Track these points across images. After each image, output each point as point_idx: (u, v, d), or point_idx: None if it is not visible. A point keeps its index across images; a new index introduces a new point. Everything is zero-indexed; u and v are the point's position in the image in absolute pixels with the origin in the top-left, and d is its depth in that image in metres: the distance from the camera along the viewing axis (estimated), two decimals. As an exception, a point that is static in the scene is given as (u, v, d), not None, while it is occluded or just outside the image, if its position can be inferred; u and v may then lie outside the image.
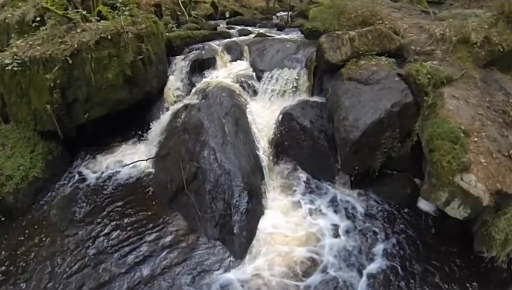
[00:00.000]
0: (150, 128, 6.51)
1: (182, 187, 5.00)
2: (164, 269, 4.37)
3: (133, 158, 6.24)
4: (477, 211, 4.21)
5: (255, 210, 4.78)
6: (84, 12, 6.26)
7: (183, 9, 10.09)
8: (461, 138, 4.28)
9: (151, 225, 4.98)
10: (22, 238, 5.05)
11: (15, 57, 5.74)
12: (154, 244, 4.70)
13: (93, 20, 6.20)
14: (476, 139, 4.52)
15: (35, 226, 5.22)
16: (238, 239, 4.46)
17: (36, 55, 5.73)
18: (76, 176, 6.11)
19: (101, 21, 6.26)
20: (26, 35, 6.38)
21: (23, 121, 6.11)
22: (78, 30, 6.08)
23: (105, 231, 4.98)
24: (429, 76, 5.19)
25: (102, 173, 6.12)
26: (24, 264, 4.61)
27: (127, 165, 6.04)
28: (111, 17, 6.36)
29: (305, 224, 4.87)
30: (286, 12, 11.93)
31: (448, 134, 4.24)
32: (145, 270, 4.37)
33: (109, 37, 5.79)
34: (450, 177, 4.11)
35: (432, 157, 4.28)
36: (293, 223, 4.87)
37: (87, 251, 4.71)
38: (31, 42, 6.15)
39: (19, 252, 4.80)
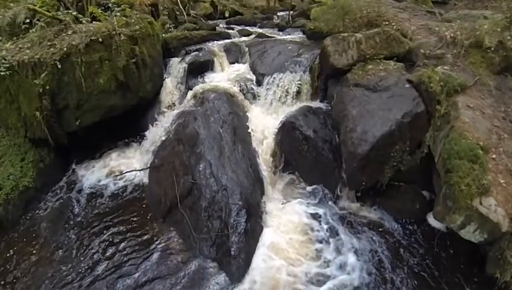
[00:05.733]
0: (145, 135, 5.93)
1: (177, 203, 4.47)
2: (156, 292, 3.88)
3: (127, 167, 5.68)
4: (494, 236, 3.69)
5: (254, 229, 4.25)
6: (75, 13, 5.64)
7: (182, 8, 9.40)
8: (480, 156, 3.70)
9: (144, 242, 4.47)
10: (12, 252, 4.59)
11: (3, 61, 5.18)
12: (147, 264, 4.18)
13: (84, 21, 5.58)
14: (494, 156, 3.95)
15: (25, 239, 4.74)
16: (236, 261, 3.94)
17: (25, 59, 5.17)
18: (68, 186, 5.57)
19: (93, 22, 5.66)
20: (15, 38, 5.81)
21: (14, 127, 5.57)
22: (69, 32, 5.48)
23: (96, 247, 4.48)
24: (442, 83, 4.60)
25: (95, 182, 5.57)
26: (13, 279, 4.19)
27: (120, 174, 5.49)
28: (103, 18, 5.74)
29: (308, 243, 4.34)
30: (287, 12, 11.24)
31: (467, 152, 3.66)
32: (136, 293, 3.88)
33: (100, 39, 5.19)
34: (469, 201, 3.55)
35: (449, 179, 3.71)
36: (294, 241, 4.33)
37: (77, 268, 4.23)
38: (20, 45, 5.57)
39: (8, 267, 4.35)
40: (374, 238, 4.46)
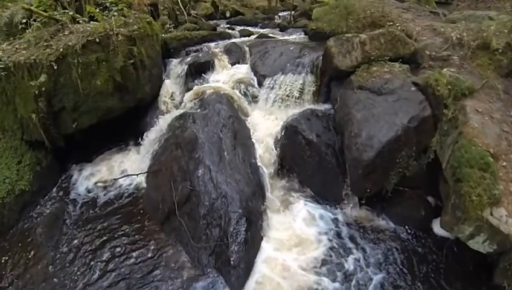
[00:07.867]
0: (144, 138, 5.68)
1: (175, 209, 4.25)
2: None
3: (125, 170, 5.49)
4: (504, 247, 3.48)
5: (254, 238, 4.03)
6: (72, 13, 5.41)
7: (182, 8, 9.14)
8: (491, 164, 3.47)
9: (141, 249, 4.26)
10: (7, 257, 4.40)
11: (-1, 61, 4.97)
12: (145, 272, 3.98)
13: (81, 21, 5.35)
14: (504, 163, 3.72)
15: (20, 244, 4.55)
16: (235, 271, 3.73)
17: (20, 60, 4.98)
18: (65, 189, 5.36)
19: (91, 22, 5.43)
20: (12, 38, 5.60)
21: (10, 129, 5.36)
22: (66, 32, 5.26)
23: (93, 253, 4.29)
24: (449, 86, 4.37)
25: (93, 185, 5.36)
26: (7, 285, 4.03)
27: (118, 178, 5.28)
28: (101, 18, 5.50)
29: (310, 252, 4.12)
30: (288, 12, 11.00)
31: (477, 160, 3.43)
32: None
33: (97, 40, 4.97)
34: (479, 212, 3.33)
35: (459, 189, 3.48)
36: (296, 251, 4.11)
37: (72, 275, 4.06)
38: (17, 46, 5.38)
39: (3, 272, 4.19)
40: (383, 248, 4.23)
